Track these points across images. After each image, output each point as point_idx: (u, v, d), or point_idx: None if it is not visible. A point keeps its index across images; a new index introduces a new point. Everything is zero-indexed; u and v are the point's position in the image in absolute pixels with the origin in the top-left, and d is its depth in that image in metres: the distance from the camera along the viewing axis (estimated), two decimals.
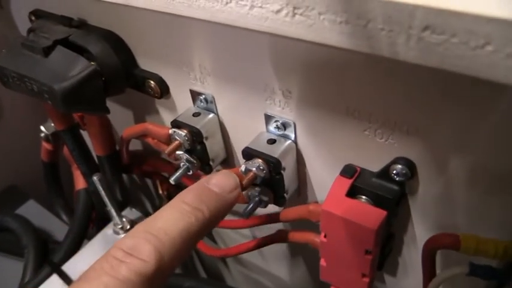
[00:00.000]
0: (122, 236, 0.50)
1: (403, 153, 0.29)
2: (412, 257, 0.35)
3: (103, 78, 0.40)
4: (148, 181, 0.61)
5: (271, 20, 0.24)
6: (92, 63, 0.39)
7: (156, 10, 0.30)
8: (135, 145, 0.52)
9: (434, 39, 0.19)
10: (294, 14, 0.22)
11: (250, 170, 0.33)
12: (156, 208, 0.64)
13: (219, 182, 0.25)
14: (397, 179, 0.29)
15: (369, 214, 0.29)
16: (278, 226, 0.40)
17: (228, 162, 0.42)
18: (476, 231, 0.28)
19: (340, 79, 0.28)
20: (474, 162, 0.26)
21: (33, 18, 0.47)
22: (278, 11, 0.23)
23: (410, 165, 0.29)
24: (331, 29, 0.22)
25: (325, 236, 0.32)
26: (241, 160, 0.35)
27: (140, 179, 0.64)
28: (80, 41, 0.40)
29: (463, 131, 0.25)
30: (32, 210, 0.65)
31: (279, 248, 0.50)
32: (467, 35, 0.18)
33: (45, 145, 0.58)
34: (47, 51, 0.39)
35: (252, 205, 0.35)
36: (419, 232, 0.33)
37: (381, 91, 0.26)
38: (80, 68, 0.38)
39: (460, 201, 0.28)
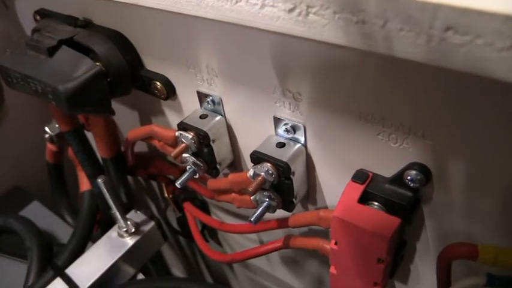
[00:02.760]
0: (127, 238, 0.50)
1: (418, 158, 0.28)
2: (424, 264, 0.34)
3: (108, 79, 0.39)
4: (154, 183, 0.61)
5: (283, 19, 0.23)
6: (97, 63, 0.38)
7: (163, 9, 0.29)
8: (140, 146, 0.51)
9: (457, 40, 0.18)
10: (308, 13, 0.21)
11: (258, 175, 0.32)
12: (161, 211, 0.63)
13: None
14: (411, 185, 0.28)
15: (382, 222, 0.28)
16: (286, 230, 0.39)
17: (235, 165, 0.41)
18: (492, 240, 0.27)
19: (353, 81, 0.27)
20: (491, 170, 0.25)
21: (38, 17, 0.46)
22: (291, 10, 0.22)
23: (425, 171, 0.28)
24: (347, 29, 0.21)
25: (335, 243, 0.31)
26: (249, 163, 0.34)
27: (145, 181, 0.63)
28: (85, 41, 0.39)
29: (481, 137, 0.24)
30: (36, 212, 0.64)
31: (286, 252, 0.49)
32: (493, 36, 0.17)
33: (50, 146, 0.57)
34: (52, 51, 0.39)
35: (260, 210, 0.34)
36: (433, 239, 0.31)
37: (396, 94, 0.25)
38: (84, 68, 0.37)
39: (476, 209, 0.27)
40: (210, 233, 0.59)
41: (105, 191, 0.45)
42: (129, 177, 0.55)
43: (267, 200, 0.34)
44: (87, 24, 0.42)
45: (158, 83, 0.39)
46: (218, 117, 0.37)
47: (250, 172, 0.33)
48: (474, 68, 0.18)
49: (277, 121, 0.33)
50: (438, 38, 0.18)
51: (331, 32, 0.21)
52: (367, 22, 0.20)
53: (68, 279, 0.46)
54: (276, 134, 0.34)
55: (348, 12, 0.20)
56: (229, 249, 0.59)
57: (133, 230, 0.49)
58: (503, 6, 0.16)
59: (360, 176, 0.30)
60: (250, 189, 0.32)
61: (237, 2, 0.24)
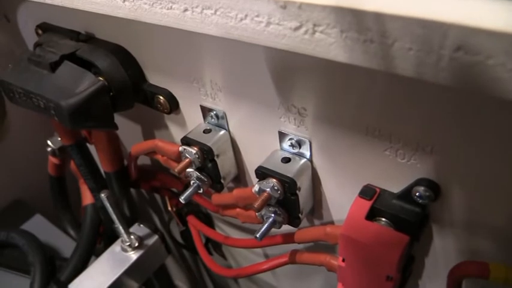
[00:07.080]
0: (130, 253, 0.49)
1: (427, 174, 0.27)
2: (433, 280, 0.33)
3: (111, 94, 0.39)
4: (157, 196, 0.60)
5: (288, 37, 0.22)
6: (100, 78, 0.38)
7: (167, 26, 0.29)
8: (143, 159, 0.50)
9: (468, 61, 0.17)
10: (314, 32, 0.21)
11: (264, 191, 0.32)
12: (165, 223, 0.63)
13: None
14: (419, 201, 0.28)
15: (390, 239, 0.28)
16: (292, 244, 0.39)
17: (239, 179, 0.41)
18: (504, 256, 0.27)
19: (359, 97, 0.26)
20: (503, 185, 0.24)
21: (40, 31, 0.46)
22: (297, 28, 0.22)
23: (434, 187, 0.27)
24: (354, 48, 0.20)
25: (343, 260, 0.31)
26: (253, 177, 0.34)
27: (149, 194, 0.62)
28: (88, 56, 0.39)
29: (491, 153, 0.23)
30: (39, 225, 0.64)
31: (292, 266, 0.48)
32: (505, 56, 0.16)
33: (52, 159, 0.57)
34: (54, 66, 0.38)
35: (265, 226, 0.34)
36: (442, 255, 0.31)
37: (404, 111, 0.25)
38: (87, 83, 0.37)
39: (487, 226, 0.27)
40: (214, 245, 0.58)
41: (108, 205, 0.44)
42: (132, 190, 0.55)
43: (273, 215, 0.34)
44: (89, 39, 0.41)
45: (161, 97, 0.39)
46: (222, 132, 0.37)
47: (256, 188, 0.33)
48: (486, 88, 0.18)
49: (282, 136, 0.33)
50: (448, 58, 0.18)
51: (338, 51, 0.21)
52: (375, 41, 0.19)
53: None
54: (281, 149, 0.34)
55: (355, 31, 0.20)
56: (233, 262, 0.58)
57: (136, 244, 0.49)
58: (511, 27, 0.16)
59: (367, 192, 0.30)
60: (256, 205, 0.31)
61: (241, 19, 0.24)
